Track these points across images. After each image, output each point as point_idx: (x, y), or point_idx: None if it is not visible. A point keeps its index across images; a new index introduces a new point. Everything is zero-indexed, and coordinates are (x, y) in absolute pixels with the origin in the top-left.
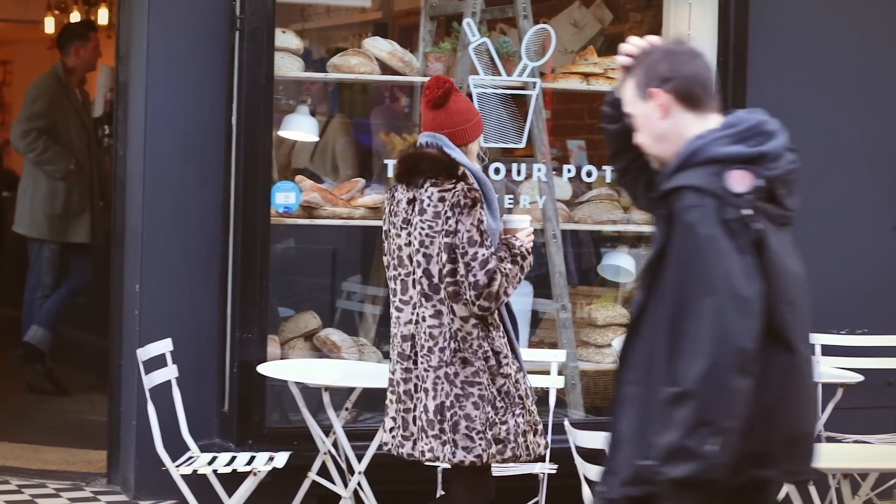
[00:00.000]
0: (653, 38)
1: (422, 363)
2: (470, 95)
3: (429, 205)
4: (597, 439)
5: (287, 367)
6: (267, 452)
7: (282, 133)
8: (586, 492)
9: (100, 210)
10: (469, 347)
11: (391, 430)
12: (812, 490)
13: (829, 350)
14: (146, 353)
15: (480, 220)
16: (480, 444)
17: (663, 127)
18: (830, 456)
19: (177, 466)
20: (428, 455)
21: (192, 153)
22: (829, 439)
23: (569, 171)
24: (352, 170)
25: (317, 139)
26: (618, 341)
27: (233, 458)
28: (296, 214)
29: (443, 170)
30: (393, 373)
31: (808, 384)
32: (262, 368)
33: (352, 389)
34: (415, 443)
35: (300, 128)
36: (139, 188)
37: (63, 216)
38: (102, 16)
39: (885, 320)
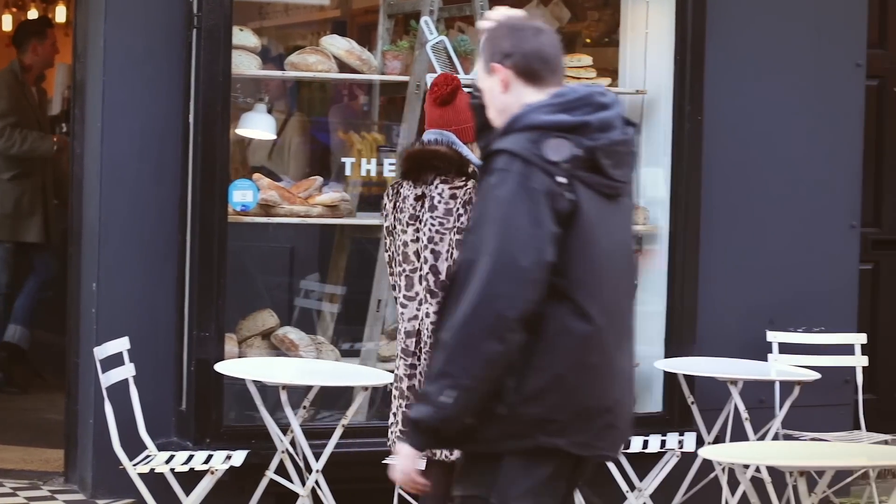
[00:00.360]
0: (502, 14)
1: (425, 359)
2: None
3: (440, 201)
4: None
5: (244, 366)
6: (224, 451)
7: (239, 131)
8: None
9: (53, 209)
10: None
11: (391, 424)
12: (769, 488)
13: (786, 348)
14: (103, 351)
15: None
16: None
17: (504, 100)
18: (787, 454)
19: (134, 465)
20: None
21: (150, 151)
22: (787, 437)
23: None
24: (308, 168)
25: (274, 137)
26: None
27: (190, 457)
28: (253, 212)
29: (453, 167)
30: (397, 368)
31: (611, 359)
32: (220, 367)
33: (309, 388)
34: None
35: (258, 126)
36: (96, 186)
37: (14, 216)
38: (60, 13)
39: (843, 318)
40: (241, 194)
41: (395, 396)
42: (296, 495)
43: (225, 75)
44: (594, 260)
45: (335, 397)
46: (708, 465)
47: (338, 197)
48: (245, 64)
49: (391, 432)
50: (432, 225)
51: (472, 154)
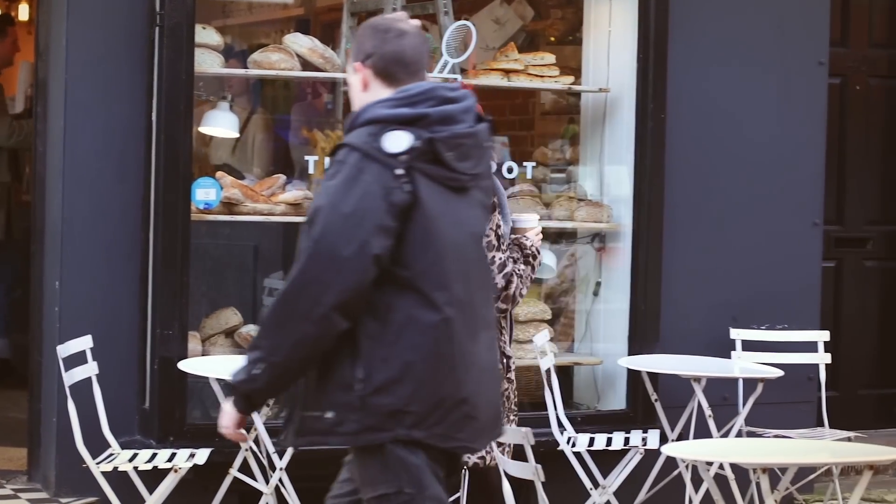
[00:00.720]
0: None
1: None
2: None
3: None
4: (519, 435)
5: (208, 364)
6: (188, 449)
7: (202, 129)
8: (506, 486)
9: (15, 208)
10: None
11: None
12: (733, 485)
13: (749, 345)
14: (66, 349)
15: (498, 225)
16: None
17: (363, 98)
18: (750, 451)
19: (97, 463)
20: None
21: (113, 149)
22: (750, 434)
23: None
24: (272, 166)
25: (237, 135)
26: (539, 337)
27: (153, 455)
28: (216, 211)
29: None
30: None
31: (464, 350)
32: (183, 365)
33: None
34: None
35: (221, 124)
36: (59, 185)
37: None
38: (23, 11)
39: (806, 315)
40: (205, 192)
41: None
42: (260, 493)
43: (188, 73)
44: (438, 251)
45: None
46: (671, 463)
47: (301, 195)
48: (208, 62)
49: None
50: None
51: None
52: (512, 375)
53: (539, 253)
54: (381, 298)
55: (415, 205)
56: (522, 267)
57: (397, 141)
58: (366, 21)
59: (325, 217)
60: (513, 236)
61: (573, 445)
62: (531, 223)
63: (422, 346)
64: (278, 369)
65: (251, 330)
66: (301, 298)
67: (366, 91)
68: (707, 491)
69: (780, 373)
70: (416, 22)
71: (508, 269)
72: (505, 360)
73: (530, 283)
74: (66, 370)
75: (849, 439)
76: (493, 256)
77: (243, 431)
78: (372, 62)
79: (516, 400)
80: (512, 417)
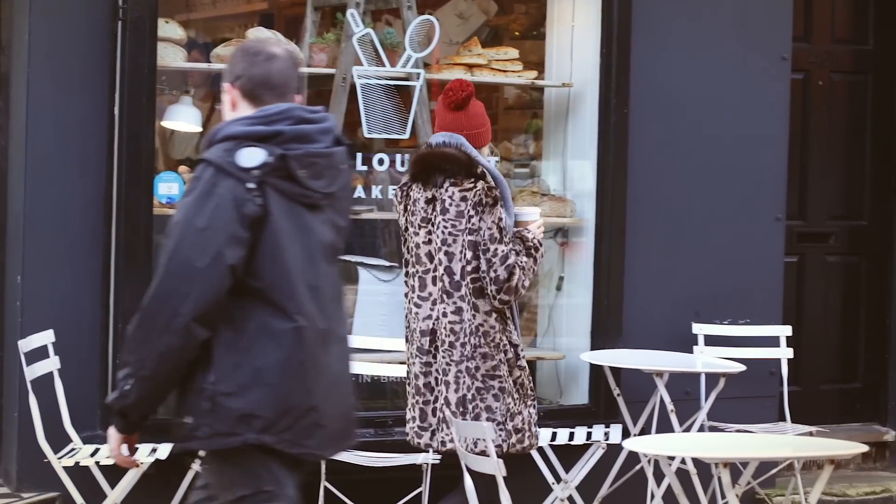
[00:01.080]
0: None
1: (443, 357)
2: (354, 86)
3: (451, 204)
4: (479, 430)
5: None
6: (150, 444)
7: (165, 123)
8: (468, 481)
9: None
10: (491, 342)
11: (408, 420)
12: (695, 480)
13: (711, 340)
14: (28, 344)
15: (500, 218)
16: (501, 435)
17: (231, 118)
18: (712, 445)
19: (59, 458)
20: (450, 445)
21: (75, 144)
22: (712, 429)
23: None
24: None
25: (200, 129)
26: None
27: None
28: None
29: (462, 169)
30: (411, 366)
31: (315, 359)
32: None
33: None
34: (433, 434)
35: (183, 118)
36: (21, 179)
37: None
38: None
39: (768, 310)
40: (167, 187)
41: (410, 394)
42: None
43: (150, 67)
44: (286, 264)
45: None
46: (634, 457)
47: None
48: (171, 56)
49: (409, 428)
50: (445, 227)
51: (483, 157)
52: (523, 363)
53: (541, 245)
54: (236, 308)
55: (265, 218)
56: (525, 259)
57: (251, 156)
58: (240, 44)
59: (181, 231)
60: (515, 229)
61: None
62: (533, 216)
63: (272, 354)
64: (148, 382)
65: None
66: (161, 311)
67: (234, 111)
68: (669, 486)
69: (742, 367)
70: (291, 46)
71: (511, 261)
72: (513, 349)
73: (532, 274)
74: (28, 365)
75: (810, 434)
76: (496, 249)
77: (134, 458)
78: (240, 84)
79: (531, 385)
80: (530, 402)
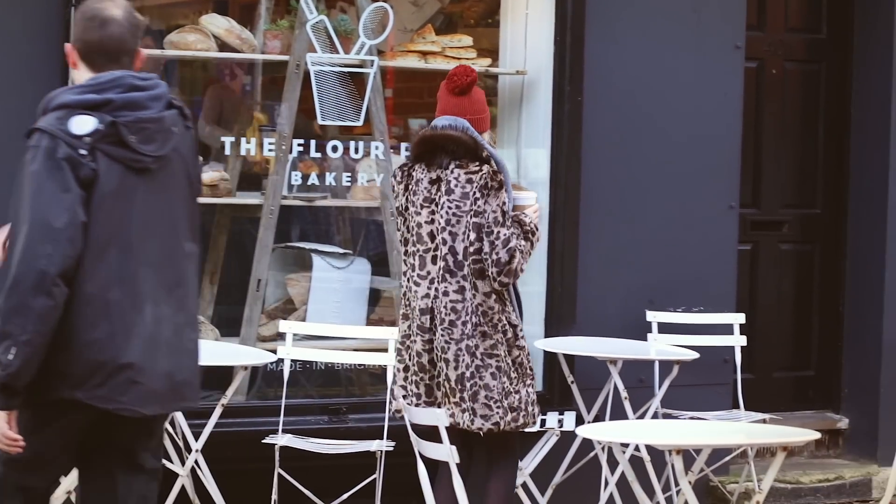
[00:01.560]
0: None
1: (442, 335)
2: (308, 73)
3: (456, 185)
4: (432, 416)
5: None
6: None
7: None
8: (421, 468)
9: None
10: (489, 321)
11: (405, 397)
12: (648, 467)
13: (665, 327)
14: None
15: (504, 202)
16: (497, 413)
17: (76, 77)
18: (665, 432)
19: None
20: (458, 418)
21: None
22: (666, 416)
23: (406, 148)
24: None
25: None
26: None
27: None
28: None
29: (468, 152)
30: (412, 344)
31: (128, 320)
32: None
33: None
34: (439, 408)
35: None
36: None
37: None
38: None
39: (722, 298)
40: None
41: (412, 372)
42: (175, 475)
43: None
44: (104, 226)
45: (215, 377)
46: (588, 445)
47: (217, 176)
48: None
49: (407, 404)
50: (449, 208)
51: (485, 141)
52: (522, 343)
53: (538, 230)
54: None
55: (94, 181)
56: (523, 243)
57: (81, 124)
58: (81, 6)
59: (34, 197)
60: (512, 213)
61: None
62: (529, 201)
63: (83, 314)
64: (28, 347)
65: None
66: (30, 274)
67: (76, 69)
68: (623, 473)
69: (695, 355)
70: (124, 4)
71: (512, 244)
72: (512, 329)
73: (529, 257)
74: None
75: (764, 421)
76: (499, 232)
77: (16, 437)
78: (78, 46)
79: (530, 366)
80: (528, 381)
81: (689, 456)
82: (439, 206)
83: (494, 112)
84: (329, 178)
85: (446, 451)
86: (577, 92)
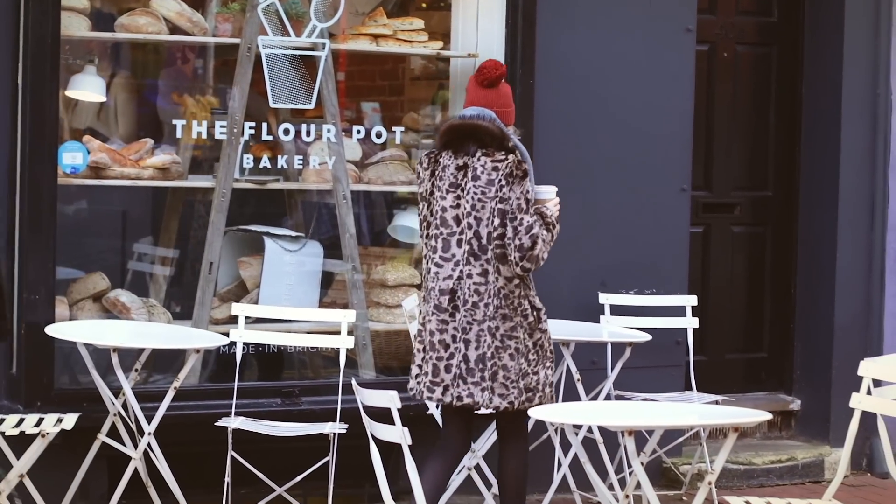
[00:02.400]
0: None
1: (465, 316)
2: (259, 56)
3: (482, 172)
4: (384, 398)
5: (75, 328)
6: (56, 414)
7: (69, 93)
8: (374, 450)
9: None
10: (510, 304)
11: (416, 376)
12: (601, 448)
13: (618, 310)
14: None
15: (527, 191)
16: (513, 392)
17: None
18: (618, 414)
19: None
20: (467, 400)
21: None
22: (618, 398)
23: (358, 132)
24: (140, 130)
25: (104, 99)
26: (408, 301)
27: (21, 420)
28: (83, 175)
29: (495, 141)
30: (427, 323)
31: None
32: (50, 330)
33: (141, 350)
34: (445, 388)
35: (88, 88)
36: None
37: None
38: None
39: (674, 280)
40: (71, 156)
41: (418, 350)
42: (128, 458)
43: (54, 37)
44: None
45: (167, 360)
46: (541, 426)
47: (169, 159)
48: (74, 25)
49: (418, 382)
50: (475, 193)
51: (512, 133)
52: (545, 326)
53: (558, 223)
54: None
55: None
56: (544, 232)
57: None
58: None
59: None
60: (534, 206)
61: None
62: (550, 194)
63: None
64: None
65: (119, 294)
66: None
67: None
68: (576, 455)
69: (648, 337)
70: None
71: (535, 231)
72: (535, 313)
73: (549, 247)
74: None
75: (716, 402)
76: (522, 218)
77: None
78: None
79: (551, 348)
80: (548, 364)
81: (641, 437)
82: (465, 192)
83: (446, 95)
84: (281, 161)
85: (398, 433)
86: (529, 75)
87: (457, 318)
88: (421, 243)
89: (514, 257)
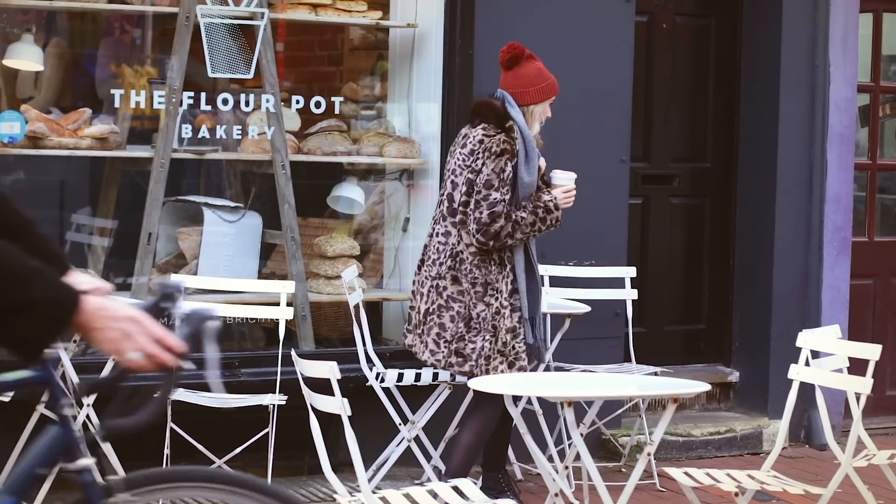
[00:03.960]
0: None
1: (425, 271)
2: (198, 26)
3: (469, 142)
4: (324, 369)
5: None
6: None
7: (6, 62)
8: (314, 421)
9: None
10: (462, 270)
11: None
12: (541, 420)
13: (557, 281)
14: None
15: (503, 170)
16: (443, 352)
17: None
18: (556, 385)
19: None
20: (414, 350)
21: None
22: (558, 369)
23: (297, 101)
24: (78, 100)
25: (41, 68)
26: (348, 272)
27: None
28: (21, 145)
29: (494, 118)
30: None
31: None
32: None
33: None
34: (407, 335)
35: (25, 56)
36: None
37: None
38: None
39: (613, 252)
40: (9, 126)
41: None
42: None
43: None
44: None
45: None
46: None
47: (107, 129)
48: None
49: (405, 328)
50: (458, 160)
51: (519, 114)
52: (491, 301)
53: (558, 209)
54: None
55: None
56: (524, 215)
57: None
58: None
59: None
60: (537, 192)
61: (382, 381)
62: (561, 181)
63: None
64: None
65: None
66: None
67: None
68: (515, 426)
69: (587, 308)
70: None
71: (498, 209)
72: (486, 287)
73: (532, 232)
74: None
75: (655, 374)
76: (488, 194)
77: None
78: None
79: (496, 324)
80: (488, 337)
81: (580, 409)
82: (454, 157)
83: (385, 66)
84: (220, 132)
85: (338, 404)
86: (469, 45)
87: (422, 271)
88: (367, 215)
89: (472, 228)
